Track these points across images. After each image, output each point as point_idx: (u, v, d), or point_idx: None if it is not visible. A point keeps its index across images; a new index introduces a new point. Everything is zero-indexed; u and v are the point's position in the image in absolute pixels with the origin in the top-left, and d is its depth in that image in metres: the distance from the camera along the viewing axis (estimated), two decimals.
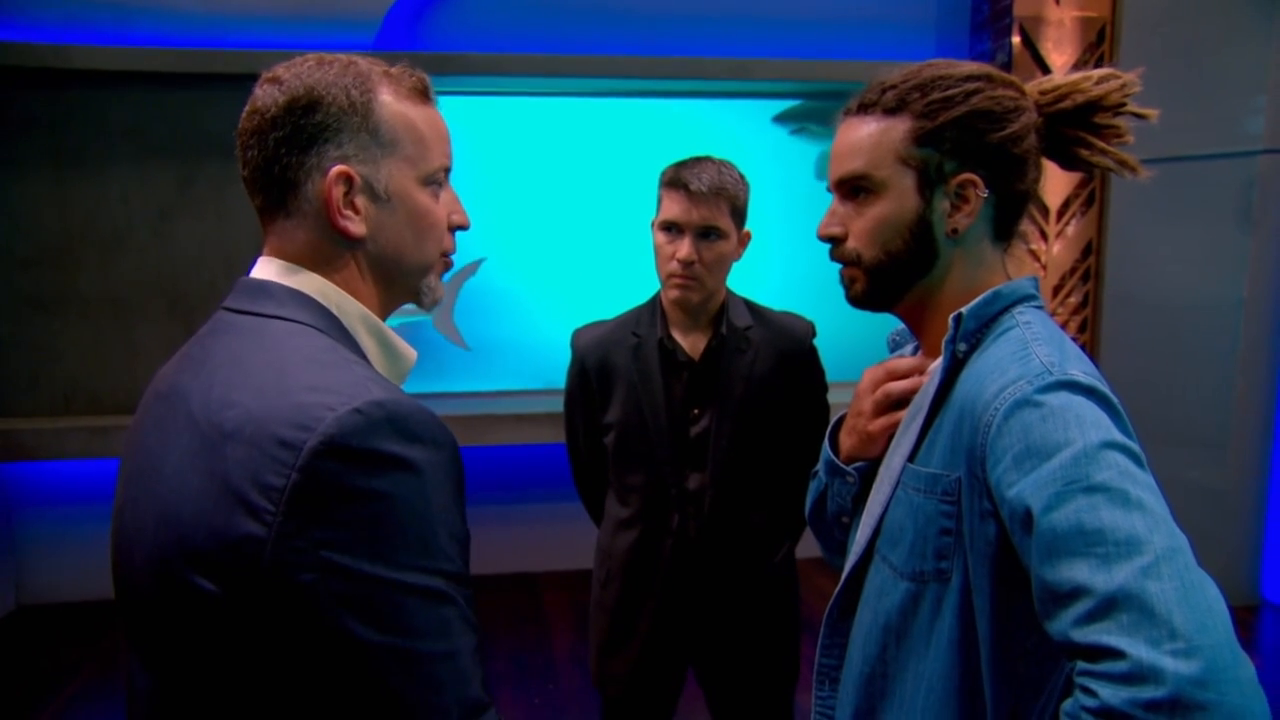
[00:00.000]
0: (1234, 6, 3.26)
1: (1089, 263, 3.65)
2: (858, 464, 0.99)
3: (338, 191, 0.75)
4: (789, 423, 1.65)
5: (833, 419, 1.06)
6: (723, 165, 1.56)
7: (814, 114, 4.04)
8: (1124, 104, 0.89)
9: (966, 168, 0.87)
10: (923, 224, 0.89)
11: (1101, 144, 0.89)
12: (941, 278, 0.91)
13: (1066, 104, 0.89)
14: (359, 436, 0.64)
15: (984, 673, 0.79)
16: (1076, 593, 0.64)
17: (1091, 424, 0.71)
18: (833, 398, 1.72)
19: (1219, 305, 3.38)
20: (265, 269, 0.78)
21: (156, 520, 0.69)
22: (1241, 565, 3.49)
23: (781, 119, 4.03)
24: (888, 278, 0.91)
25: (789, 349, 1.64)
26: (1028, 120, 0.88)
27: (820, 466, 1.05)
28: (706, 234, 1.52)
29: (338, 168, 0.75)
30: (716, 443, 1.59)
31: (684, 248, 1.51)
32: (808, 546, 1.83)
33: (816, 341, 1.70)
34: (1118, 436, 0.71)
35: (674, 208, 1.53)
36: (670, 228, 1.54)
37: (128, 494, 0.75)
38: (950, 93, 0.87)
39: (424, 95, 0.82)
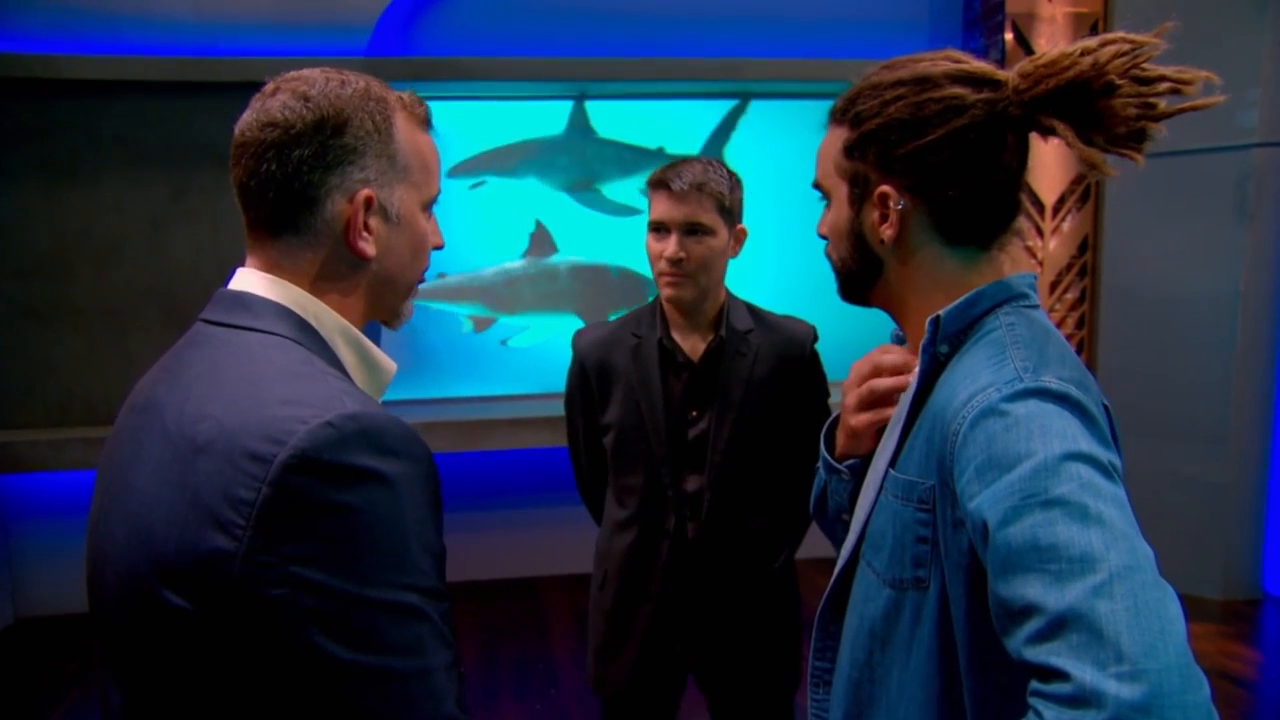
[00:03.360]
0: (1224, 2, 3.26)
1: (1085, 258, 3.64)
2: (850, 461, 0.98)
3: (362, 214, 0.77)
4: (789, 427, 1.65)
5: (825, 424, 1.05)
6: (709, 164, 1.58)
7: (492, 164, 3.77)
8: (1135, 73, 0.76)
9: (886, 179, 0.86)
10: (856, 234, 0.90)
11: (1070, 135, 0.79)
12: (895, 282, 0.90)
13: (1040, 90, 0.79)
14: (330, 450, 0.63)
15: (963, 682, 0.78)
16: (1029, 610, 0.63)
17: (1056, 434, 0.69)
18: (833, 399, 1.72)
19: (1216, 299, 3.38)
20: (244, 281, 0.78)
21: (127, 534, 0.68)
22: (1243, 559, 3.48)
23: (457, 172, 3.73)
24: (846, 280, 0.94)
25: (789, 353, 1.64)
26: (965, 121, 0.81)
27: (820, 463, 1.05)
28: (692, 230, 1.54)
29: (365, 191, 0.77)
30: (715, 445, 1.59)
31: (670, 245, 1.54)
32: (808, 547, 1.83)
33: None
34: (1084, 447, 0.68)
35: (659, 207, 1.56)
36: (658, 228, 1.57)
37: (101, 507, 0.74)
38: (870, 104, 0.85)
39: (428, 124, 0.85)
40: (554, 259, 3.87)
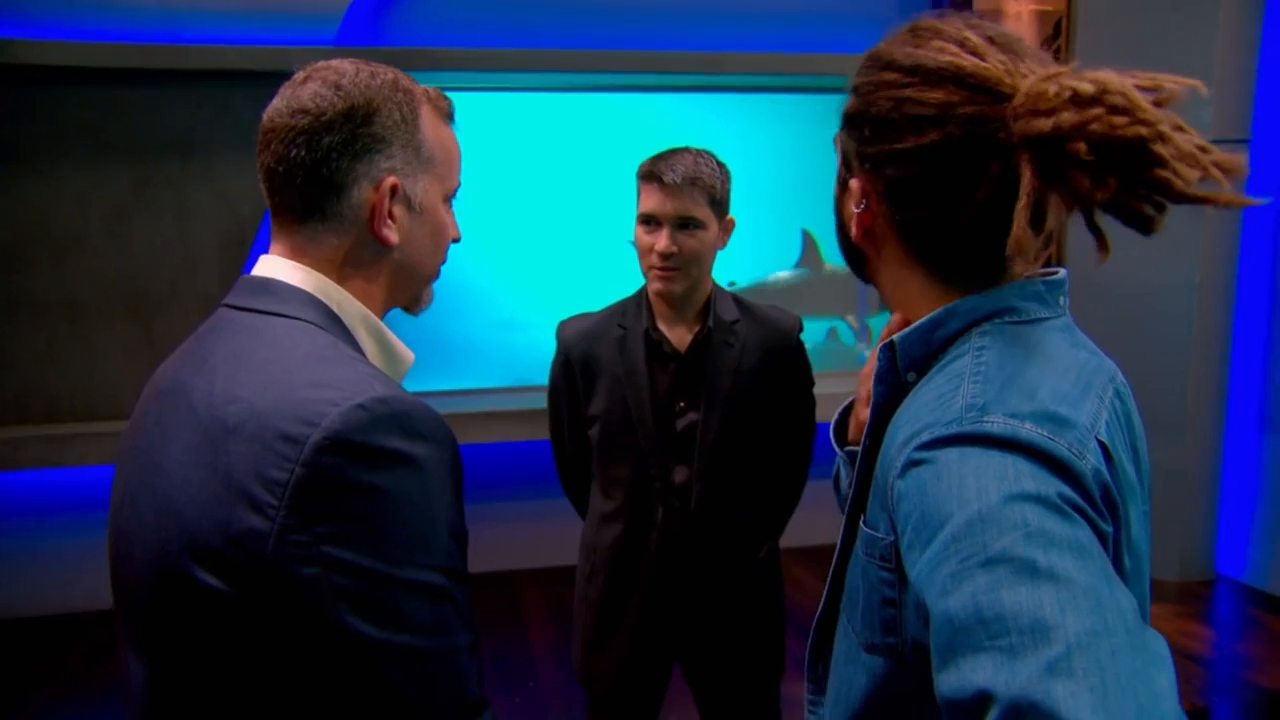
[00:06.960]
0: (1180, 1, 3.36)
1: (1049, 251, 3.73)
2: (852, 449, 0.93)
3: (387, 201, 0.79)
4: (775, 417, 1.66)
5: (837, 411, 1.00)
6: (700, 155, 1.56)
7: None
8: (1151, 155, 0.61)
9: (860, 170, 0.74)
10: (840, 218, 0.80)
11: (1085, 190, 0.65)
12: (880, 280, 0.79)
13: (1035, 129, 0.62)
14: (362, 432, 0.65)
15: None
16: (982, 701, 0.50)
17: (994, 475, 0.57)
18: (818, 389, 1.74)
19: (1173, 291, 3.49)
20: (269, 266, 0.79)
21: (156, 515, 0.69)
22: (1198, 542, 3.61)
23: None
24: (849, 263, 0.84)
25: (776, 343, 1.64)
26: (936, 137, 0.66)
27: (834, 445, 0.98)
28: (684, 224, 1.53)
29: (391, 179, 0.79)
30: (704, 436, 1.59)
31: (662, 240, 1.52)
32: (790, 536, 1.85)
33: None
34: (1028, 486, 0.56)
35: (650, 200, 1.54)
36: (649, 220, 1.55)
37: (126, 491, 0.75)
38: (862, 80, 0.72)
39: (451, 118, 0.88)
40: (825, 268, 4.07)
